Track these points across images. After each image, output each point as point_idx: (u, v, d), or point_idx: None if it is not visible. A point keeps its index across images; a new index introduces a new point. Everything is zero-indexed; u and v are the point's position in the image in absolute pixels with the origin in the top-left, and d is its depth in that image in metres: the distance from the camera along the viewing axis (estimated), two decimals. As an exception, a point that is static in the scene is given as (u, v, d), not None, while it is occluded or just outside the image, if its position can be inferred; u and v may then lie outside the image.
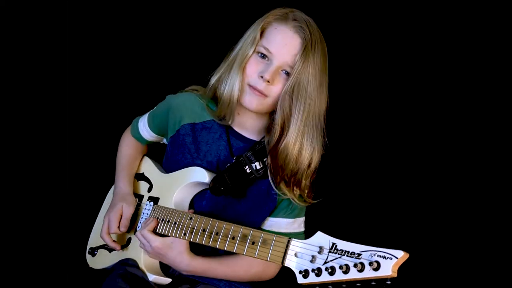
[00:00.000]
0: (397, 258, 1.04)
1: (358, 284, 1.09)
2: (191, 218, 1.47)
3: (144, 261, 1.60)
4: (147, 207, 1.67)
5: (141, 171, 1.82)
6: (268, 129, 1.56)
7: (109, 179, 1.88)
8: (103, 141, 2.24)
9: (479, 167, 2.01)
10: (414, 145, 2.10)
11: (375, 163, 2.14)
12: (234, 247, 1.33)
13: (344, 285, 1.10)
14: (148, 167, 1.81)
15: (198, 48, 2.35)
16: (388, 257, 1.05)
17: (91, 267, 1.80)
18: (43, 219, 2.35)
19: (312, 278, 1.13)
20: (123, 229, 1.65)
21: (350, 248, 1.10)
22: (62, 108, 2.43)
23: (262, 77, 1.47)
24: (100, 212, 1.91)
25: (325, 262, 1.12)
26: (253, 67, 1.49)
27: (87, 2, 2.42)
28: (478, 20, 2.01)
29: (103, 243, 1.71)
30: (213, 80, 1.61)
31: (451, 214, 2.03)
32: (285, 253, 1.20)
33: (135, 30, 2.42)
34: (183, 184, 1.60)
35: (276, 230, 1.61)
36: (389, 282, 1.05)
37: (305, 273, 1.14)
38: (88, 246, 1.84)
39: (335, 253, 1.12)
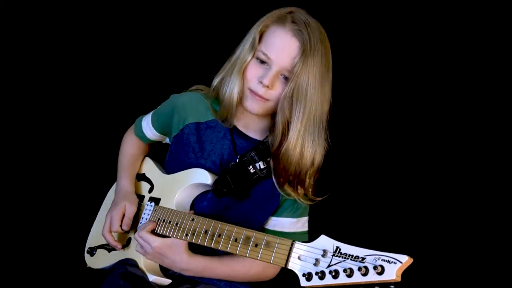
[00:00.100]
0: (401, 262, 1.04)
1: (361, 288, 1.09)
2: (193, 219, 1.46)
3: (144, 262, 1.59)
4: (148, 207, 1.66)
5: (142, 172, 1.81)
6: (272, 129, 1.56)
7: (109, 179, 1.88)
8: (105, 141, 2.24)
9: (484, 169, 2.01)
10: (419, 145, 2.10)
11: (380, 165, 2.14)
12: (237, 249, 1.32)
13: (347, 289, 1.10)
14: (149, 168, 1.81)
15: (202, 47, 2.34)
16: (392, 262, 1.05)
17: (89, 267, 1.79)
18: (43, 219, 2.35)
19: (315, 281, 1.13)
20: (125, 227, 1.65)
21: (354, 252, 1.10)
22: (64, 106, 2.43)
23: (261, 82, 1.47)
24: (100, 211, 1.90)
25: (329, 266, 1.12)
26: (253, 72, 1.49)
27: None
28: (480, 20, 2.01)
29: (103, 242, 1.71)
30: (216, 81, 1.61)
31: (457, 219, 2.03)
32: (289, 255, 1.20)
33: (139, 29, 2.42)
34: (185, 185, 1.60)
35: (280, 230, 1.62)
36: (392, 287, 1.05)
37: (309, 276, 1.14)
38: (87, 246, 1.83)
39: (339, 257, 1.11)
